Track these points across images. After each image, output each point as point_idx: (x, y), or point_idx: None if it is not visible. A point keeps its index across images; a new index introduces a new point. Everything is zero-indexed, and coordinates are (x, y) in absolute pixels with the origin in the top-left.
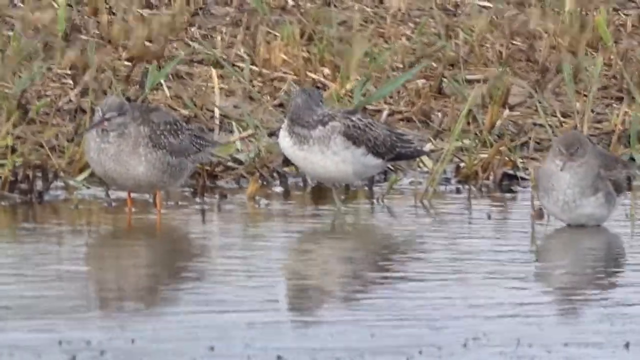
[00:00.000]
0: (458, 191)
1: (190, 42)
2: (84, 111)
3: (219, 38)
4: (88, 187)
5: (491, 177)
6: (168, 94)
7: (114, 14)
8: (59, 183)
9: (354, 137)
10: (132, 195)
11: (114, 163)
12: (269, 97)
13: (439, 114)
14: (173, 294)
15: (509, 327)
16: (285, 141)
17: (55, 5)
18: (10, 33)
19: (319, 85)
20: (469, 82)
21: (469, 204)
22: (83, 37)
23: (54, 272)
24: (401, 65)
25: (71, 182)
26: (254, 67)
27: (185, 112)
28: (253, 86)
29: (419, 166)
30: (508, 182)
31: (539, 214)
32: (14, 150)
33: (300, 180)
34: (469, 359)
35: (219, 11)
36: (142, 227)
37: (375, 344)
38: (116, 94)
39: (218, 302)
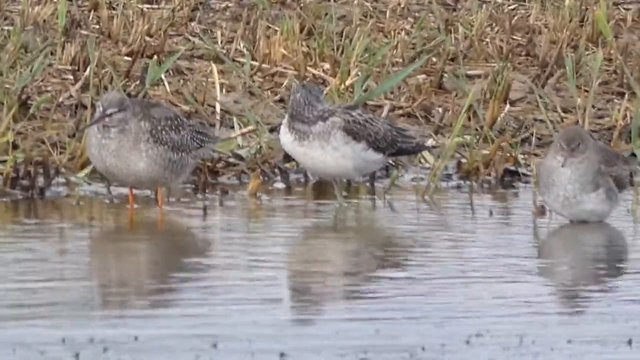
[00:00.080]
0: (459, 187)
1: (191, 37)
2: (84, 107)
3: (219, 33)
4: (89, 183)
5: (492, 173)
6: (168, 89)
7: (114, 8)
8: (61, 179)
9: (354, 132)
10: (134, 191)
11: (114, 159)
12: (269, 93)
13: (440, 110)
14: (175, 291)
15: (512, 324)
16: (285, 137)
17: (55, 0)
18: (10, 28)
19: (318, 80)
20: (469, 77)
21: (471, 200)
22: (83, 32)
23: (56, 268)
24: (401, 60)
25: (72, 179)
26: (254, 62)
27: (185, 107)
28: (253, 81)
29: (420, 162)
30: (509, 178)
31: (540, 211)
32: (15, 147)
33: (302, 176)
34: (472, 356)
35: (219, 6)
36: (143, 223)
37: (379, 341)
38: (117, 90)
39: (221, 298)
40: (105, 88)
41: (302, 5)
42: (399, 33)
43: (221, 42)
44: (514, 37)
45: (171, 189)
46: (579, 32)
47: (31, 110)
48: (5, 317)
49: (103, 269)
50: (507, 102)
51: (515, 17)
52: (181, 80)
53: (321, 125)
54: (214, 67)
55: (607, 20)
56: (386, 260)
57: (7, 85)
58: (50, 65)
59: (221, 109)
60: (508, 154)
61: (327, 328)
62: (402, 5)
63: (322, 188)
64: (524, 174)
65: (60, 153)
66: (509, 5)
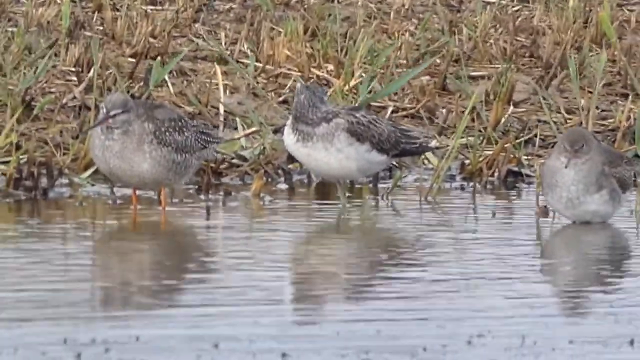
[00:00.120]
0: (463, 188)
1: (194, 39)
2: (88, 108)
3: (222, 34)
4: (93, 184)
5: (496, 174)
6: (172, 91)
7: (117, 10)
8: (64, 180)
9: (357, 134)
10: (137, 192)
11: (118, 160)
12: (273, 94)
13: (444, 111)
14: (177, 291)
15: (513, 325)
16: (289, 138)
17: (59, 1)
18: (14, 29)
19: (322, 81)
20: (473, 78)
21: (474, 201)
22: (87, 33)
23: (58, 269)
24: (405, 61)
25: (76, 179)
26: (257, 64)
27: (189, 108)
28: (257, 82)
29: (423, 163)
30: (513, 179)
31: (543, 211)
32: (18, 147)
33: (305, 177)
34: (474, 357)
35: (223, 7)
36: (146, 224)
37: (380, 341)
38: (120, 91)
39: (223, 298)
40: (109, 89)
41: (306, 6)
42: (402, 34)
43: (225, 44)
44: (518, 38)
45: (174, 190)
46: (583, 33)
47: (35, 112)
48: (7, 317)
49: (105, 270)
50: (511, 103)
51: (519, 19)
52: (185, 82)
53: (325, 127)
54: (218, 69)
55: (611, 21)
56: (388, 260)
57: (11, 87)
58: (54, 66)
59: (225, 110)
60: (511, 155)
61: (328, 328)
62: (406, 7)
63: (325, 189)
64: (527, 175)
65: (64, 154)
66: (513, 7)
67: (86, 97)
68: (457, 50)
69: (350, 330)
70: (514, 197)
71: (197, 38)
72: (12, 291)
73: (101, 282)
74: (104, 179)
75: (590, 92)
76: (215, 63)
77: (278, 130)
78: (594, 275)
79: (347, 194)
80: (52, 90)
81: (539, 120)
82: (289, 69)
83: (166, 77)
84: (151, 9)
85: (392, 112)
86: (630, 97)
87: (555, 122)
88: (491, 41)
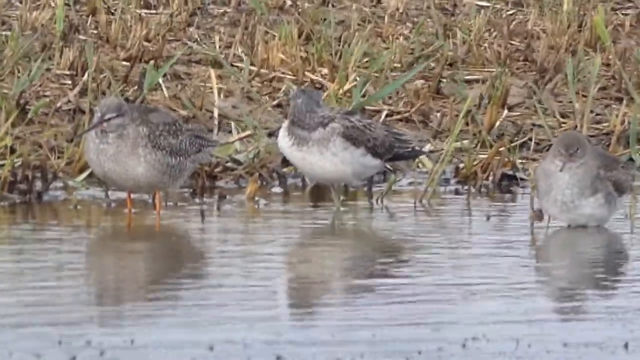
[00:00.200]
0: (457, 192)
1: (189, 42)
2: (82, 112)
3: (217, 38)
4: (87, 188)
5: (490, 178)
6: (166, 94)
7: (112, 13)
8: (58, 183)
9: (353, 138)
10: (132, 195)
11: (113, 164)
12: (267, 98)
13: (438, 115)
14: (172, 294)
15: (508, 328)
16: (284, 141)
17: (53, 5)
18: (8, 33)
19: (317, 85)
20: (468, 82)
21: (468, 205)
22: (81, 37)
23: (53, 272)
24: (399, 65)
25: (70, 183)
26: (252, 67)
27: (184, 112)
28: (252, 86)
29: (418, 167)
30: (507, 183)
31: (538, 215)
32: (13, 151)
33: (299, 181)
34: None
35: (217, 11)
36: (141, 227)
37: (375, 345)
38: (115, 95)
39: (217, 302)
40: (104, 93)
41: (300, 10)
42: (397, 38)
43: (219, 47)
44: (512, 42)
45: (169, 193)
46: (577, 37)
47: (29, 115)
48: (2, 320)
49: (100, 273)
50: (505, 107)
51: (514, 23)
52: (179, 85)
53: (321, 132)
54: (212, 72)
55: (606, 25)
56: (383, 264)
57: (6, 90)
58: (48, 70)
59: (219, 114)
60: (506, 159)
61: (323, 332)
62: (400, 11)
63: (319, 192)
64: (521, 179)
65: (58, 157)
66: (507, 11)
67: (81, 101)
68: (451, 54)
69: (344, 333)
70: (508, 201)
71: (192, 42)
72: (7, 294)
73: (96, 285)
74: (98, 182)
75: (585, 96)
76: (209, 67)
77: (273, 134)
78: (589, 279)
79: (342, 198)
80: (47, 93)
81: (534, 124)
82: (283, 73)
83: (160, 81)
84: (145, 13)
85: (387, 115)
86: (624, 101)
87: (549, 126)
88: (485, 45)
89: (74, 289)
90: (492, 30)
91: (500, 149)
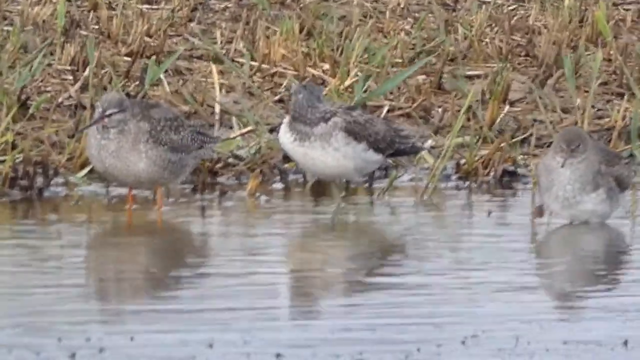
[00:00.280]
0: (458, 188)
1: (190, 38)
2: (84, 107)
3: (218, 33)
4: (89, 184)
5: (492, 174)
6: (168, 90)
7: (113, 9)
8: (60, 179)
9: (355, 133)
10: (133, 191)
11: (114, 159)
12: (269, 93)
13: (439, 110)
14: (172, 291)
15: (508, 325)
16: (285, 137)
17: (55, 0)
18: (10, 28)
19: (318, 80)
20: (469, 77)
21: (470, 201)
22: (83, 32)
23: (53, 268)
24: (400, 60)
25: (72, 179)
26: (253, 63)
27: (185, 107)
28: (253, 82)
29: (419, 163)
30: (509, 179)
31: (539, 211)
32: (14, 147)
33: (301, 177)
34: (468, 357)
35: (219, 6)
36: (142, 223)
37: (375, 342)
38: (116, 90)
39: (217, 298)
40: (105, 88)
41: (301, 5)
42: (398, 33)
43: (221, 43)
44: (514, 37)
45: (170, 189)
46: (579, 32)
47: (30, 111)
48: (2, 316)
49: (100, 270)
50: (507, 102)
51: (515, 18)
52: (181, 81)
53: (323, 127)
54: (214, 68)
55: (607, 20)
56: (383, 260)
57: (7, 85)
58: (49, 65)
59: (221, 110)
60: (507, 155)
61: (323, 329)
62: (401, 6)
63: (320, 188)
64: (523, 175)
65: (60, 153)
66: (509, 6)
67: (82, 96)
68: (452, 49)
69: (344, 330)
70: (509, 197)
71: (193, 37)
72: (7, 291)
73: (96, 282)
74: (99, 178)
75: (586, 92)
76: (211, 62)
77: (274, 130)
78: (589, 276)
79: (343, 194)
80: (48, 89)
81: (535, 120)
82: (284, 68)
83: (162, 76)
84: (147, 8)
85: (388, 111)
86: (626, 96)
87: (551, 122)
88: (487, 40)
89: (74, 285)
90: (494, 25)
91: (502, 145)
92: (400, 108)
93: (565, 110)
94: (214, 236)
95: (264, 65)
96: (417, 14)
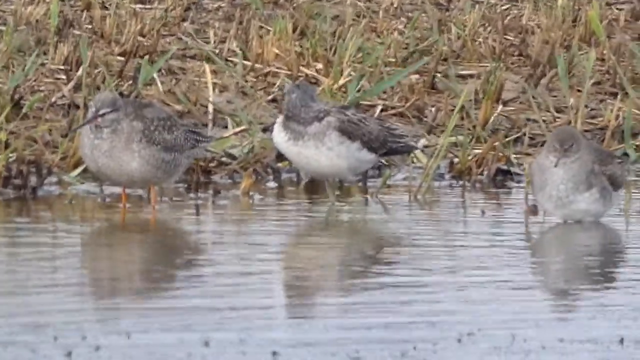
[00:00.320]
0: (452, 187)
1: (183, 37)
2: (77, 106)
3: (211, 33)
4: (82, 183)
5: (485, 173)
6: (161, 89)
7: (106, 8)
8: (53, 178)
9: (348, 132)
10: (127, 190)
11: (107, 159)
12: (262, 93)
13: (433, 110)
14: (168, 289)
15: (503, 323)
16: (279, 136)
17: (48, 0)
18: (3, 28)
19: (311, 80)
20: (462, 77)
21: (463, 200)
22: (76, 32)
23: (48, 267)
24: (394, 60)
25: (65, 178)
26: (246, 62)
27: (178, 107)
28: (246, 81)
29: (413, 162)
30: (502, 178)
31: (532, 210)
32: (7, 146)
33: (294, 176)
34: (464, 355)
35: (212, 6)
36: (136, 222)
37: (371, 339)
38: (109, 90)
39: (212, 297)
40: (98, 88)
41: (295, 5)
42: (391, 33)
43: (214, 42)
44: (507, 37)
45: (164, 189)
46: (572, 32)
47: (24, 110)
48: None
49: (95, 268)
50: (500, 102)
51: (508, 17)
52: (174, 80)
53: (317, 126)
54: (207, 67)
55: (600, 20)
56: (377, 259)
57: (0, 85)
58: (42, 65)
59: (214, 109)
60: (500, 154)
61: (319, 326)
62: (395, 5)
63: (314, 187)
64: (516, 174)
65: (53, 152)
66: (502, 6)
67: (75, 96)
68: (446, 49)
69: (340, 328)
70: (503, 196)
71: (186, 37)
72: (2, 290)
73: (91, 280)
74: (93, 177)
75: (580, 91)
76: (204, 61)
77: (267, 129)
78: (584, 274)
79: (336, 193)
80: (41, 88)
81: (528, 119)
82: (278, 68)
83: (155, 76)
84: (140, 8)
85: (381, 110)
86: (619, 96)
87: (544, 121)
88: (480, 40)
89: (69, 284)
90: (487, 25)
91: (495, 144)
92: (393, 107)
93: (558, 110)
94: (207, 235)
95: (257, 65)
96: (410, 14)
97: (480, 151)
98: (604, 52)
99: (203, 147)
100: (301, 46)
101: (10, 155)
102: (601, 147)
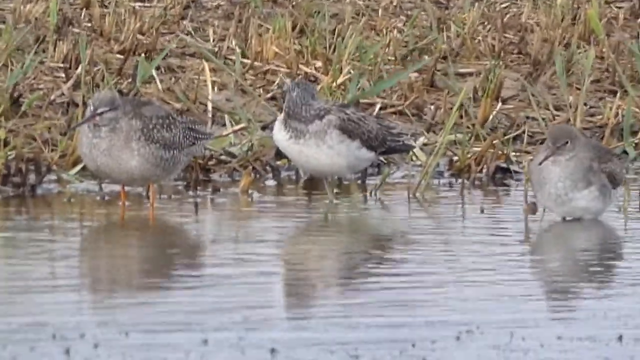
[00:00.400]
0: (451, 185)
1: (183, 35)
2: (76, 104)
3: (210, 31)
4: (81, 181)
5: (484, 171)
6: (160, 87)
7: (106, 6)
8: (52, 176)
9: (349, 131)
10: (126, 188)
11: (106, 158)
12: (261, 91)
13: (432, 108)
14: (166, 287)
15: (502, 321)
16: (280, 134)
17: None
18: (2, 26)
19: (310, 78)
20: (462, 75)
21: (462, 198)
22: (75, 30)
23: (47, 265)
24: (393, 58)
25: (64, 176)
26: (246, 60)
27: (177, 105)
28: (245, 79)
29: (412, 159)
30: (501, 176)
31: (531, 208)
32: (6, 144)
33: (293, 174)
34: (463, 353)
35: (211, 4)
36: (135, 220)
37: (369, 337)
38: (108, 88)
39: (211, 295)
40: (97, 86)
41: (294, 3)
42: (391, 31)
43: (213, 40)
44: (506, 35)
45: (163, 186)
46: (571, 30)
47: (23, 108)
48: None
49: (94, 266)
50: (499, 100)
51: (508, 16)
52: (173, 78)
53: (318, 124)
54: (206, 65)
55: (599, 18)
56: (376, 257)
57: None
58: (42, 63)
59: (213, 107)
60: (500, 152)
61: (317, 324)
62: (394, 4)
63: (313, 185)
64: (515, 172)
65: (52, 150)
66: (501, 4)
67: (74, 94)
68: (445, 47)
69: (339, 326)
70: (502, 194)
71: (185, 35)
72: (1, 287)
73: (89, 278)
74: (92, 175)
75: (579, 89)
76: (203, 60)
77: (266, 127)
78: (583, 271)
79: (335, 191)
80: (40, 86)
81: (527, 117)
82: (277, 66)
83: (154, 74)
84: (139, 6)
85: (381, 108)
86: (618, 93)
87: (543, 119)
88: (479, 38)
89: (67, 281)
90: (486, 23)
91: (494, 142)
92: (392, 105)
93: (557, 108)
94: (206, 233)
95: (256, 63)
96: (409, 12)
97: (479, 149)
98: (603, 50)
99: (202, 144)
100: (300, 44)
101: (10, 153)
102: (600, 144)
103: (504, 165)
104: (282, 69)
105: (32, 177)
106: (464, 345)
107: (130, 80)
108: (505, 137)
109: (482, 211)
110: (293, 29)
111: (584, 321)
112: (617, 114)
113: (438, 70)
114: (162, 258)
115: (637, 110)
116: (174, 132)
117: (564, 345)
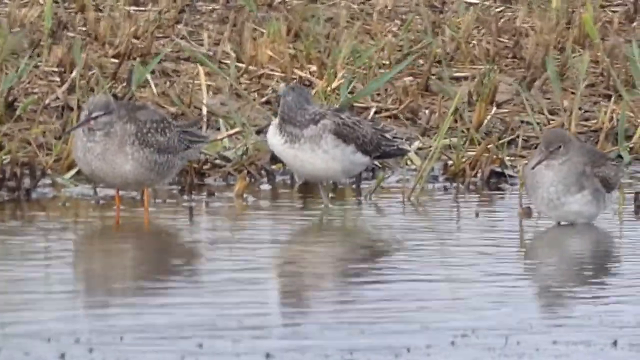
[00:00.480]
0: (446, 189)
1: (177, 39)
2: (71, 109)
3: (205, 35)
4: (76, 185)
5: (479, 175)
6: (155, 91)
7: (100, 10)
8: (47, 181)
9: (343, 135)
10: (120, 192)
11: (100, 162)
12: (255, 95)
13: (427, 112)
14: (161, 292)
15: (497, 325)
16: (275, 139)
17: (42, 2)
18: None
19: (305, 82)
20: (456, 79)
21: (457, 202)
22: (70, 34)
23: (41, 269)
24: (388, 62)
25: (59, 180)
26: (240, 64)
27: (172, 109)
28: (240, 83)
29: (406, 164)
30: (496, 180)
31: (526, 212)
32: (1, 148)
33: (288, 178)
34: (457, 357)
35: (206, 8)
36: (130, 224)
37: (364, 342)
38: (103, 92)
39: (206, 299)
40: (92, 90)
41: (289, 7)
42: (385, 35)
43: (208, 44)
44: (501, 39)
45: (157, 191)
46: (566, 34)
47: (18, 112)
48: None
49: (88, 270)
50: (494, 104)
51: (502, 20)
52: (168, 82)
53: (313, 129)
54: (201, 69)
55: (594, 22)
56: (371, 261)
57: None
58: (36, 67)
59: (208, 111)
60: (494, 156)
61: (312, 329)
62: (389, 8)
63: (308, 190)
64: (510, 176)
65: (47, 154)
66: (496, 8)
67: (69, 98)
68: (440, 51)
69: (334, 330)
70: (496, 198)
71: (180, 39)
72: None
73: (84, 282)
74: (87, 179)
75: (573, 93)
76: (198, 64)
77: (261, 131)
78: (577, 276)
79: (330, 195)
80: (35, 90)
81: (522, 121)
82: (271, 70)
83: (149, 78)
84: (134, 10)
85: (375, 112)
86: (613, 98)
87: (538, 123)
88: (474, 42)
89: (62, 285)
90: (481, 27)
91: (489, 146)
92: (387, 110)
93: (552, 112)
94: (201, 237)
95: (250, 67)
96: (404, 16)
97: (474, 153)
98: (598, 54)
99: (197, 148)
100: (295, 48)
101: (4, 157)
102: (595, 148)
103: (499, 169)
104: (277, 73)
105: (26, 181)
106: (458, 350)
107: (125, 84)
108: (500, 142)
109: (476, 215)
110: (288, 33)
111: (579, 326)
112: (611, 118)
113: (433, 75)
114: (156, 262)
115: (631, 114)
116: (169, 136)
117: (559, 349)
